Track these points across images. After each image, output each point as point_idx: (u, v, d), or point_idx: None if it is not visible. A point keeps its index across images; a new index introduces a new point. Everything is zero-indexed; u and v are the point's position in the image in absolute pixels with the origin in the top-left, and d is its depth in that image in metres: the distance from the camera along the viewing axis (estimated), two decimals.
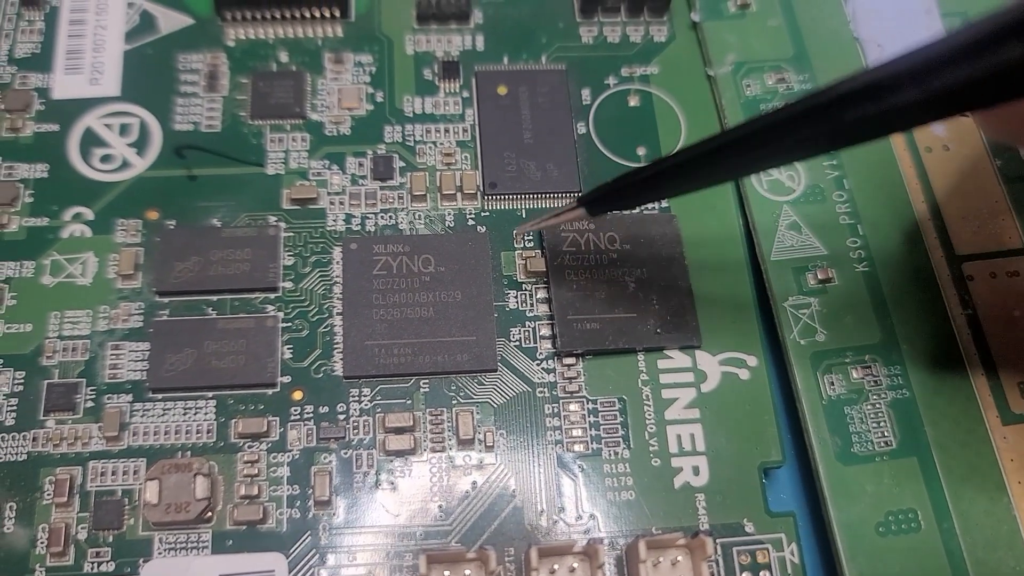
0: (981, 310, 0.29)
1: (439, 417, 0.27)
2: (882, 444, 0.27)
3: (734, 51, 0.33)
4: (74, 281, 0.29)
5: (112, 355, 0.28)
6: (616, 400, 0.28)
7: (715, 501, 0.27)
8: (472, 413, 0.28)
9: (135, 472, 0.27)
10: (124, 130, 0.31)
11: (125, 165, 0.31)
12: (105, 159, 0.31)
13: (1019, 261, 0.30)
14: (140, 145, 0.31)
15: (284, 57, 0.33)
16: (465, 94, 0.32)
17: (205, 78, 0.32)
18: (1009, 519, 0.26)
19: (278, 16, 0.33)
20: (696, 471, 0.27)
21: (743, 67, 0.33)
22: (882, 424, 0.27)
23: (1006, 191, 0.31)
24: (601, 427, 0.28)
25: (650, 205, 0.31)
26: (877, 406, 0.27)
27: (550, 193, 0.31)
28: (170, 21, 0.33)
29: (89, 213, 0.30)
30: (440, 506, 0.26)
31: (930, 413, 0.27)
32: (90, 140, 0.31)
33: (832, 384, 0.28)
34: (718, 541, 0.26)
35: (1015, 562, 0.25)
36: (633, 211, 0.31)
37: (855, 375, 0.28)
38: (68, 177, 0.30)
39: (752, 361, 0.29)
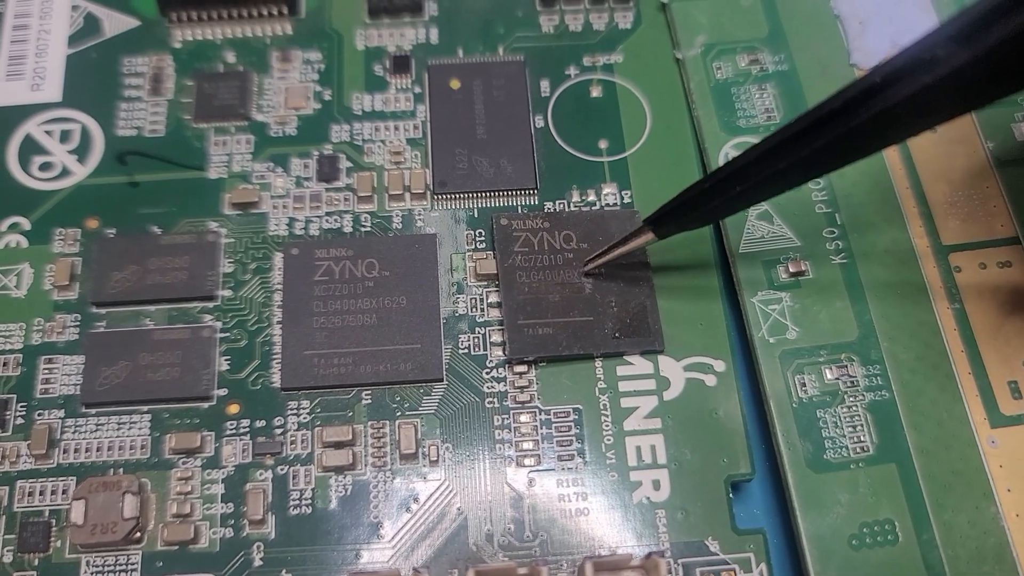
0: (969, 304, 0.27)
1: (381, 430, 0.26)
2: (858, 450, 0.25)
3: (705, 32, 0.31)
4: (8, 293, 0.28)
5: (45, 369, 0.27)
6: (571, 410, 0.26)
7: (677, 518, 0.25)
8: (416, 426, 0.26)
9: (64, 491, 0.25)
10: (65, 136, 0.30)
11: (65, 173, 0.30)
12: (44, 167, 0.30)
13: (1011, 251, 0.27)
14: (81, 152, 0.30)
15: (231, 57, 0.31)
16: (417, 89, 0.31)
17: (150, 81, 0.31)
18: (997, 530, 0.23)
19: (225, 16, 0.32)
20: (656, 485, 0.25)
21: (714, 49, 0.31)
22: (858, 428, 0.25)
23: (998, 176, 0.28)
24: (554, 439, 0.26)
25: (611, 200, 0.29)
26: (853, 409, 0.25)
27: (503, 191, 0.29)
28: (115, 23, 0.32)
29: (26, 223, 0.29)
30: (380, 524, 0.25)
31: (912, 416, 0.25)
32: (29, 148, 0.30)
33: (803, 385, 0.26)
34: (680, 561, 0.24)
35: None
36: (592, 207, 0.29)
37: (829, 375, 0.26)
38: (5, 186, 0.29)
39: (720, 366, 0.27)
